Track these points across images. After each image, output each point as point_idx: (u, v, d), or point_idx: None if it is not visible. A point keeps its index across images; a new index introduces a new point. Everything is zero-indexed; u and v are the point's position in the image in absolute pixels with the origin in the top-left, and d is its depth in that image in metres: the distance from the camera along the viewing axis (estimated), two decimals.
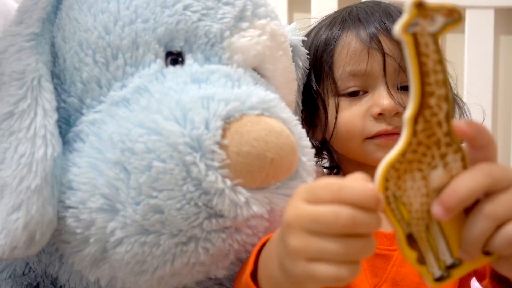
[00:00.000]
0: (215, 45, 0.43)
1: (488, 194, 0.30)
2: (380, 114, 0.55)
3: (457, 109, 0.65)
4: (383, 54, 0.55)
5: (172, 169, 0.37)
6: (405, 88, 0.56)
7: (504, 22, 1.06)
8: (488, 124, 1.04)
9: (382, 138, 0.55)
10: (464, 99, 1.01)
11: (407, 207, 0.30)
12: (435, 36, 0.29)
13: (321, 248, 0.30)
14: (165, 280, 0.42)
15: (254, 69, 0.47)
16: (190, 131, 0.37)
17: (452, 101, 0.30)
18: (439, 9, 0.28)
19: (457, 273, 0.32)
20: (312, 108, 0.60)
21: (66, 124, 0.43)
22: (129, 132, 0.38)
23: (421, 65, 0.29)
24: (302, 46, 0.59)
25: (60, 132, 0.44)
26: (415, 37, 0.28)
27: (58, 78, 0.43)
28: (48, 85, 0.41)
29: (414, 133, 0.29)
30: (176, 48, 0.43)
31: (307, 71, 0.61)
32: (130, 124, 0.38)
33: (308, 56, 0.60)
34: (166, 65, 0.43)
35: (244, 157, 0.38)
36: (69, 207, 0.39)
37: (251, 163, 0.38)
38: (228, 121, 0.39)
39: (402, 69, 0.55)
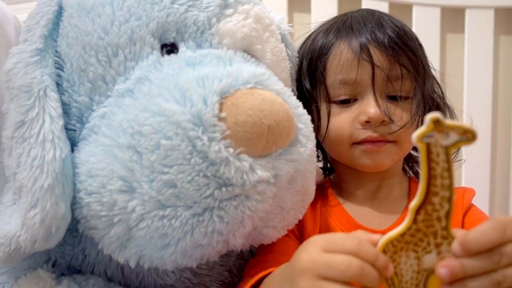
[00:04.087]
0: (204, 32, 0.47)
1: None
2: (367, 121, 0.58)
3: (448, 114, 0.68)
4: (372, 65, 0.58)
5: (179, 145, 0.41)
6: (393, 98, 0.60)
7: (504, 22, 1.07)
8: (488, 124, 1.05)
9: (368, 144, 0.59)
10: (464, 99, 1.04)
11: (399, 277, 0.36)
12: (447, 149, 0.33)
13: None
14: (188, 254, 0.46)
15: (245, 51, 0.50)
16: (190, 108, 0.41)
17: (453, 203, 0.34)
18: (454, 128, 0.32)
19: None
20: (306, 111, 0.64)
21: (80, 122, 0.48)
22: (136, 118, 0.42)
23: (430, 169, 0.33)
24: (291, 30, 0.63)
25: (75, 131, 0.48)
26: (428, 146, 0.33)
27: (68, 81, 0.47)
28: (53, 95, 0.45)
29: (414, 220, 0.35)
30: (169, 39, 0.47)
31: (297, 59, 0.65)
32: (136, 110, 0.42)
33: (304, 58, 0.63)
34: (162, 55, 0.46)
35: (242, 126, 0.41)
36: (92, 192, 0.43)
37: (249, 131, 0.41)
38: (223, 96, 0.42)
39: (389, 79, 0.58)
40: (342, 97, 0.60)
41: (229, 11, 0.49)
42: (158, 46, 0.46)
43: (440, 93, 0.68)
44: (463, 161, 0.73)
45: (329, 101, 0.61)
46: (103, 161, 0.42)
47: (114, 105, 0.44)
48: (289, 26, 0.64)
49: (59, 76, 0.48)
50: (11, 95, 0.45)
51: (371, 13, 0.63)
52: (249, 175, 0.42)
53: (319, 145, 0.65)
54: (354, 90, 0.60)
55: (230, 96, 0.42)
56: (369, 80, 0.58)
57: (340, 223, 0.62)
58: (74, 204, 0.45)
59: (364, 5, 0.97)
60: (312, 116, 0.62)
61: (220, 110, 0.41)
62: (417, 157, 0.70)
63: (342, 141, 0.60)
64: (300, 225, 0.63)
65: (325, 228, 0.62)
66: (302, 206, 0.53)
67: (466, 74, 1.04)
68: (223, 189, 0.42)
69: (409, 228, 0.35)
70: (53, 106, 0.45)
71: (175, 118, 0.41)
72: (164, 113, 0.41)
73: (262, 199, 0.44)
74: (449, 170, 0.33)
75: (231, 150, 0.41)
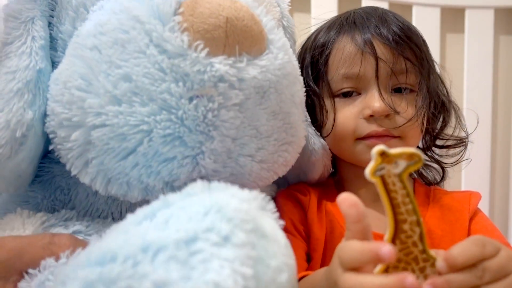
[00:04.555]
0: None
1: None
2: (371, 115, 0.57)
3: (453, 112, 0.66)
4: (376, 58, 0.57)
5: (135, 37, 0.41)
6: (397, 91, 0.59)
7: (504, 22, 1.07)
8: (488, 124, 1.03)
9: (372, 139, 0.58)
10: (464, 99, 1.03)
11: None
12: (400, 176, 0.35)
13: None
14: (154, 169, 0.43)
15: None
16: (148, 2, 0.41)
17: (422, 225, 0.35)
18: (400, 155, 0.34)
19: None
20: (310, 108, 0.63)
21: (64, 53, 0.49)
22: (100, 20, 0.43)
23: (391, 199, 0.35)
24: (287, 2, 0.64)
25: (59, 63, 0.50)
26: (383, 178, 0.34)
27: (57, 17, 0.50)
28: (40, 23, 0.48)
29: None
30: None
31: (293, 31, 0.64)
32: (101, 15, 0.43)
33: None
34: None
35: (199, 17, 0.40)
36: (56, 95, 0.43)
37: (206, 22, 0.40)
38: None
39: (394, 73, 0.58)
40: (345, 90, 0.59)
41: None
42: None
43: (445, 91, 0.65)
44: (469, 160, 0.68)
45: (332, 95, 0.60)
46: (67, 63, 0.43)
47: (87, 21, 0.46)
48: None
49: (51, 16, 0.51)
50: (3, 22, 0.49)
51: (375, 9, 0.64)
52: (207, 68, 0.40)
53: None
54: (357, 84, 0.59)
55: None
56: (373, 73, 0.57)
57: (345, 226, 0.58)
58: (45, 124, 0.46)
59: (364, 5, 0.98)
60: (315, 111, 0.62)
61: (179, 7, 0.41)
62: (425, 160, 0.67)
63: (346, 136, 0.59)
64: (308, 227, 0.61)
65: (330, 231, 0.60)
66: (285, 140, 0.48)
67: (466, 74, 1.02)
68: (180, 83, 0.40)
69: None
70: (37, 29, 0.47)
71: (133, 13, 0.41)
72: (123, 10, 0.42)
73: (226, 104, 0.42)
74: (408, 195, 0.35)
75: (186, 40, 0.40)
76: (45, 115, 0.46)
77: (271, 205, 0.39)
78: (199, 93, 0.41)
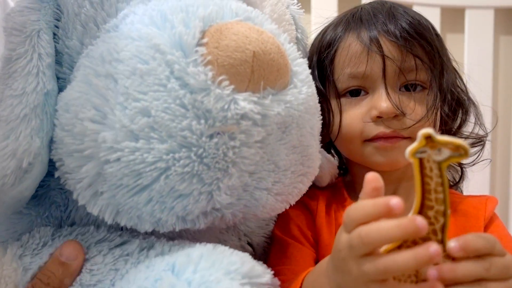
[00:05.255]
0: None
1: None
2: (378, 116, 0.55)
3: (472, 109, 0.64)
4: (383, 57, 0.55)
5: (155, 69, 0.38)
6: (406, 88, 0.56)
7: (504, 22, 1.07)
8: (487, 125, 1.05)
9: (381, 141, 0.55)
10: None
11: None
12: (440, 164, 0.34)
13: None
14: (168, 205, 0.41)
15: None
16: (170, 31, 0.38)
17: (448, 217, 0.35)
18: (446, 144, 0.33)
19: None
20: None
21: (70, 69, 0.46)
22: (116, 45, 0.40)
23: (424, 184, 0.34)
24: (301, 14, 0.61)
25: (64, 80, 0.47)
26: (421, 161, 0.34)
27: (63, 29, 0.47)
28: (45, 37, 0.44)
29: None
30: None
31: (307, 44, 0.62)
32: (117, 39, 0.40)
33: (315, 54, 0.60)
34: None
35: (224, 50, 0.38)
36: (66, 125, 0.40)
37: (232, 56, 0.38)
38: (208, 26, 0.39)
39: (402, 71, 0.55)
40: (352, 88, 0.57)
41: None
42: None
43: (463, 87, 0.63)
44: (489, 160, 0.67)
45: (339, 96, 0.57)
46: (78, 90, 0.40)
47: (99, 40, 0.43)
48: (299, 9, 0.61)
49: (56, 27, 0.48)
50: (5, 36, 0.45)
51: (383, 4, 0.61)
52: (231, 106, 0.38)
53: (332, 145, 0.62)
54: (364, 84, 0.56)
55: (214, 25, 0.39)
56: (380, 72, 0.55)
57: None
58: (52, 151, 0.43)
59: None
60: (323, 112, 0.59)
61: (203, 36, 0.39)
62: None
63: (353, 138, 0.57)
64: (316, 232, 0.59)
65: None
66: (301, 172, 0.47)
67: (465, 74, 1.03)
68: (202, 121, 0.38)
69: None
70: (44, 45, 0.44)
71: (153, 41, 0.38)
72: (143, 37, 0.39)
73: (248, 141, 0.40)
74: (443, 185, 0.34)
75: (211, 76, 0.37)
76: (51, 140, 0.43)
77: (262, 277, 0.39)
78: (220, 130, 0.39)
